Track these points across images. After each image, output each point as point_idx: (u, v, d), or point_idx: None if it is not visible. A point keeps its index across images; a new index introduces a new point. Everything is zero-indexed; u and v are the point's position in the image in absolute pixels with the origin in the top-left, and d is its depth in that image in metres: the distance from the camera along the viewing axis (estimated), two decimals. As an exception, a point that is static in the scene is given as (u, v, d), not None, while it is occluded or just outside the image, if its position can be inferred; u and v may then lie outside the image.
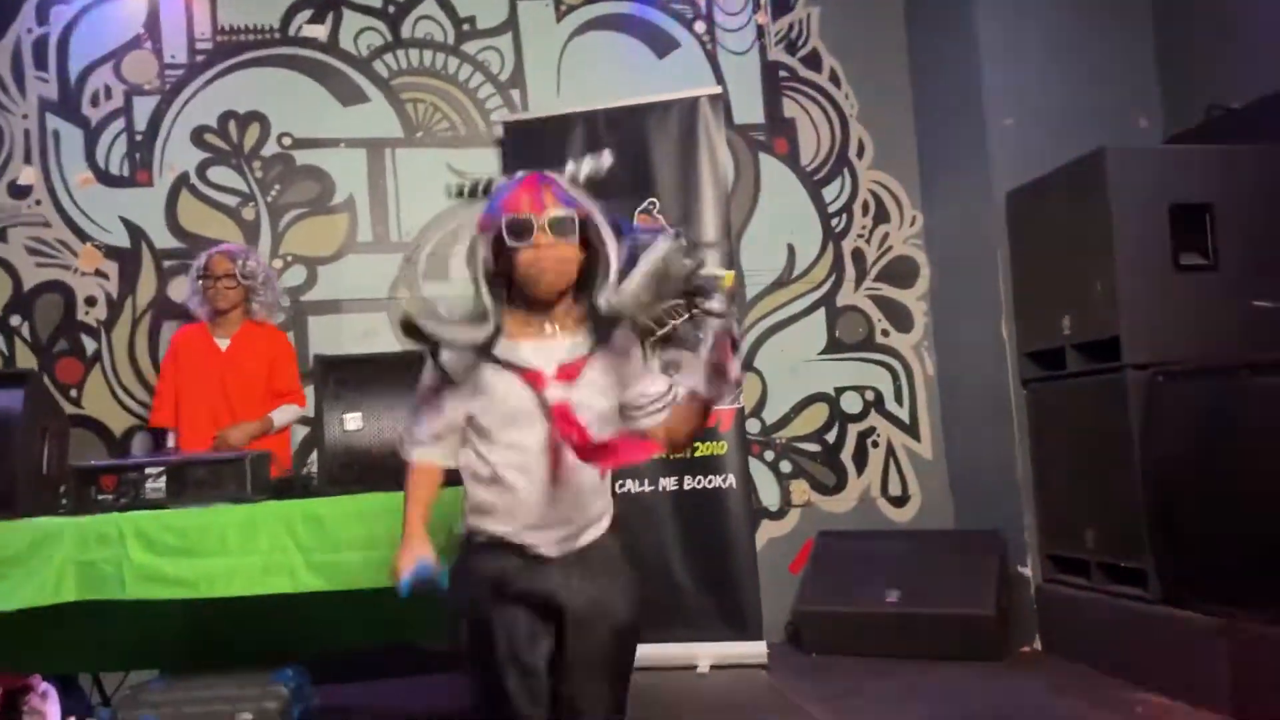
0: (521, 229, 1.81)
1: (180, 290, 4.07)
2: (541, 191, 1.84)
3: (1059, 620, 3.86)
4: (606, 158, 1.91)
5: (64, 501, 2.80)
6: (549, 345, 1.86)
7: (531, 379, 1.82)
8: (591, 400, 1.85)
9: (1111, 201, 3.50)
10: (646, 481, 4.07)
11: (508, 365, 1.83)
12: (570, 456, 1.80)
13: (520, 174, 1.91)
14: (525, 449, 1.82)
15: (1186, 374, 3.25)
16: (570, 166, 1.91)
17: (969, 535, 4.20)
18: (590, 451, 1.78)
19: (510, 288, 1.88)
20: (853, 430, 4.61)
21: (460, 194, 1.97)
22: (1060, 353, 3.79)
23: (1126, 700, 3.19)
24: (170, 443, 3.62)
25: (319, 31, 4.41)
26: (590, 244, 1.85)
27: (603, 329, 1.86)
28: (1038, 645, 3.94)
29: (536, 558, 1.85)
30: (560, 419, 1.78)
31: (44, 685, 3.39)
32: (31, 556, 2.63)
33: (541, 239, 1.81)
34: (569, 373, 1.83)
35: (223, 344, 3.73)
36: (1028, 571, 4.00)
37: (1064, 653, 3.79)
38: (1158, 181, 3.53)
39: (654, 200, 4.14)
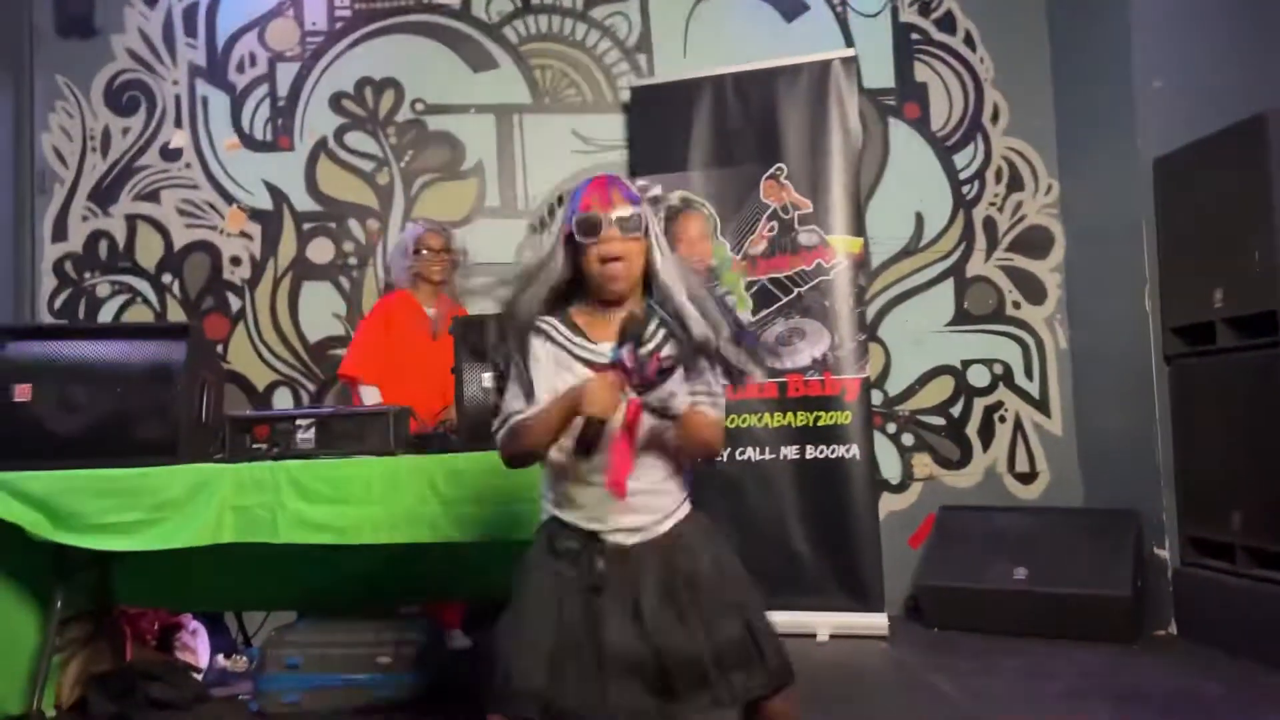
0: (591, 226, 1.89)
1: (322, 253, 4.25)
2: (610, 191, 1.93)
3: (1198, 605, 3.71)
4: (675, 195, 2.04)
5: (220, 450, 2.94)
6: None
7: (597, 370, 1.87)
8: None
9: (1273, 169, 3.31)
10: (768, 449, 4.06)
11: (590, 363, 1.90)
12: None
13: (589, 178, 1.99)
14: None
15: (1352, 351, 3.07)
16: (641, 181, 2.01)
17: (1102, 514, 4.06)
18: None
19: (581, 286, 1.96)
20: (979, 404, 4.50)
21: (543, 223, 2.11)
22: (1210, 327, 3.61)
23: (1269, 685, 3.06)
24: (372, 399, 3.68)
25: (451, -2, 4.48)
26: (651, 247, 1.94)
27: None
28: (1173, 629, 3.80)
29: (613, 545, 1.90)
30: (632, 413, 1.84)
31: (194, 623, 3.61)
32: (191, 500, 2.78)
33: (610, 234, 1.89)
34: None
35: (430, 312, 3.85)
36: (1165, 554, 3.86)
37: (1200, 638, 3.65)
38: (1324, 148, 3.33)
39: (781, 165, 4.09)
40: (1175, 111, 3.90)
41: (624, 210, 1.90)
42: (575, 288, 1.98)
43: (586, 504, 1.91)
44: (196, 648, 3.56)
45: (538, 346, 1.93)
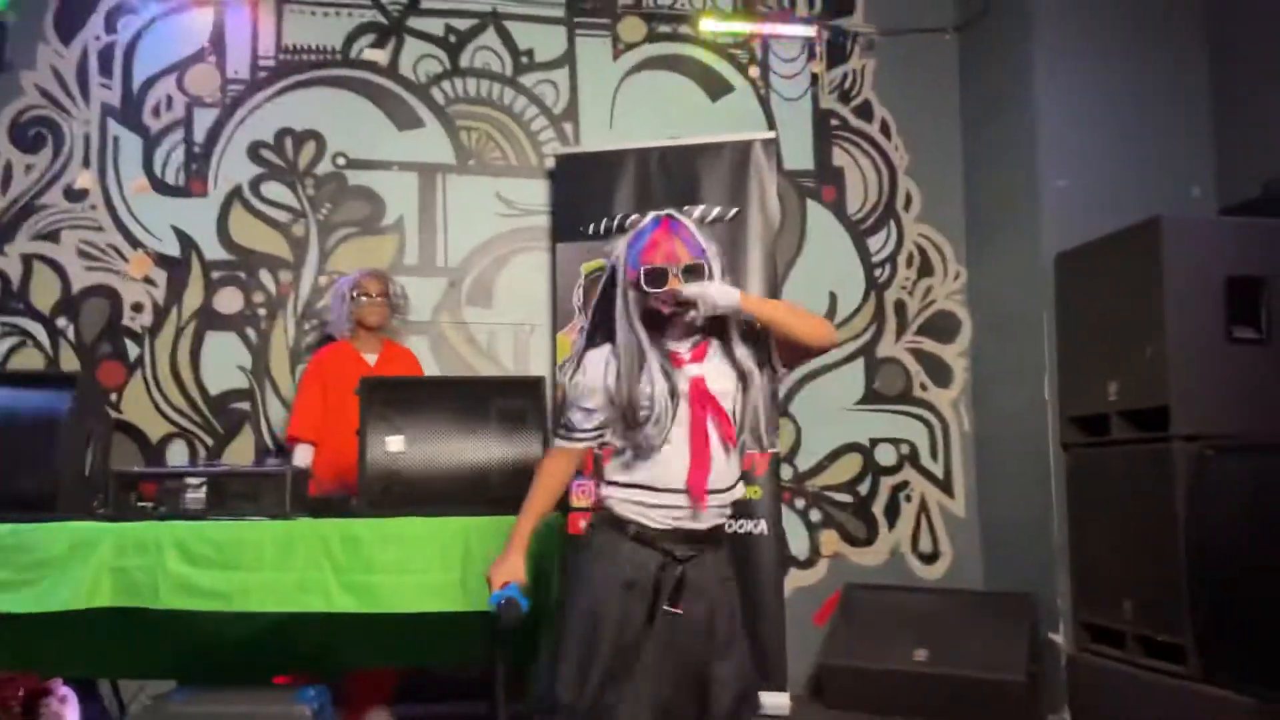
0: (659, 278, 2.06)
1: (229, 303, 4.18)
2: (675, 242, 2.10)
3: (1091, 691, 3.78)
4: (733, 212, 2.23)
5: (103, 506, 2.80)
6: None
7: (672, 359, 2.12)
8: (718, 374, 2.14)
9: (1166, 270, 3.47)
10: (677, 522, 4.03)
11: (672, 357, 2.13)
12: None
13: (650, 218, 2.14)
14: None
15: (1237, 449, 3.19)
16: (700, 210, 2.18)
17: (1001, 597, 4.14)
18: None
19: (645, 321, 2.13)
20: (886, 483, 4.57)
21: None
22: (1105, 419, 3.74)
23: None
24: (303, 458, 3.61)
25: (380, 56, 4.47)
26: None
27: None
28: (1066, 716, 3.85)
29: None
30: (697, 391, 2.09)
31: (64, 689, 3.38)
32: (69, 559, 2.64)
33: (675, 284, 2.06)
34: (699, 354, 2.15)
35: (371, 359, 3.77)
36: (1059, 639, 3.93)
37: (1094, 725, 3.71)
38: (1213, 253, 3.50)
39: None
40: (1077, 209, 4.08)
41: (688, 260, 2.08)
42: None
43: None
44: (65, 716, 3.34)
45: (598, 357, 2.15)
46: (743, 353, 2.15)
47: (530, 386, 2.98)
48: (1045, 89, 4.21)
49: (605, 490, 2.18)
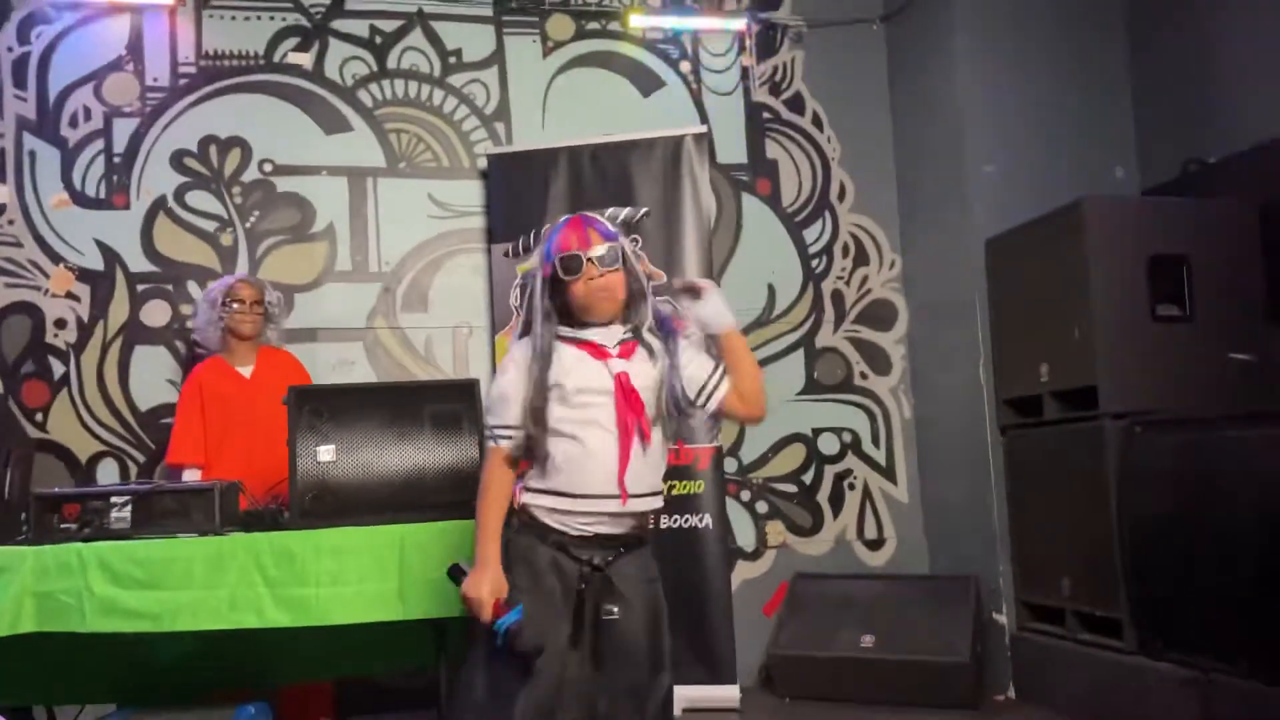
0: (572, 265, 2.08)
1: (156, 316, 4.07)
2: (586, 230, 2.12)
3: (1033, 669, 3.84)
4: (643, 211, 2.26)
5: (25, 530, 2.72)
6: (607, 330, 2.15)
7: (596, 352, 2.11)
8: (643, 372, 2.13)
9: (1089, 251, 3.54)
10: (622, 519, 4.02)
11: (578, 341, 2.13)
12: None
13: (565, 217, 2.18)
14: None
15: (1163, 424, 3.27)
16: (611, 210, 2.18)
17: (944, 580, 4.19)
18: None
19: (567, 317, 2.14)
20: (830, 472, 4.60)
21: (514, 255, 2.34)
22: (1038, 400, 3.80)
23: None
24: (191, 480, 3.46)
25: (304, 59, 4.39)
26: (629, 272, 2.14)
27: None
28: (1011, 694, 3.92)
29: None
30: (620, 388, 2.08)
31: (-3, 719, 3.29)
32: (-11, 585, 2.56)
33: (591, 271, 2.08)
34: (625, 351, 2.13)
35: (246, 372, 3.64)
36: (1002, 619, 3.99)
37: (1038, 701, 3.77)
38: (1135, 233, 3.58)
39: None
40: (1004, 194, 4.15)
41: (600, 248, 2.09)
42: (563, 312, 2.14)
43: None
44: (-4, 746, 3.24)
45: (522, 350, 2.14)
46: (658, 348, 2.15)
47: (464, 389, 2.94)
48: (970, 76, 4.28)
49: (524, 496, 2.14)
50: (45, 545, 2.59)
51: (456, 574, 2.13)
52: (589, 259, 2.08)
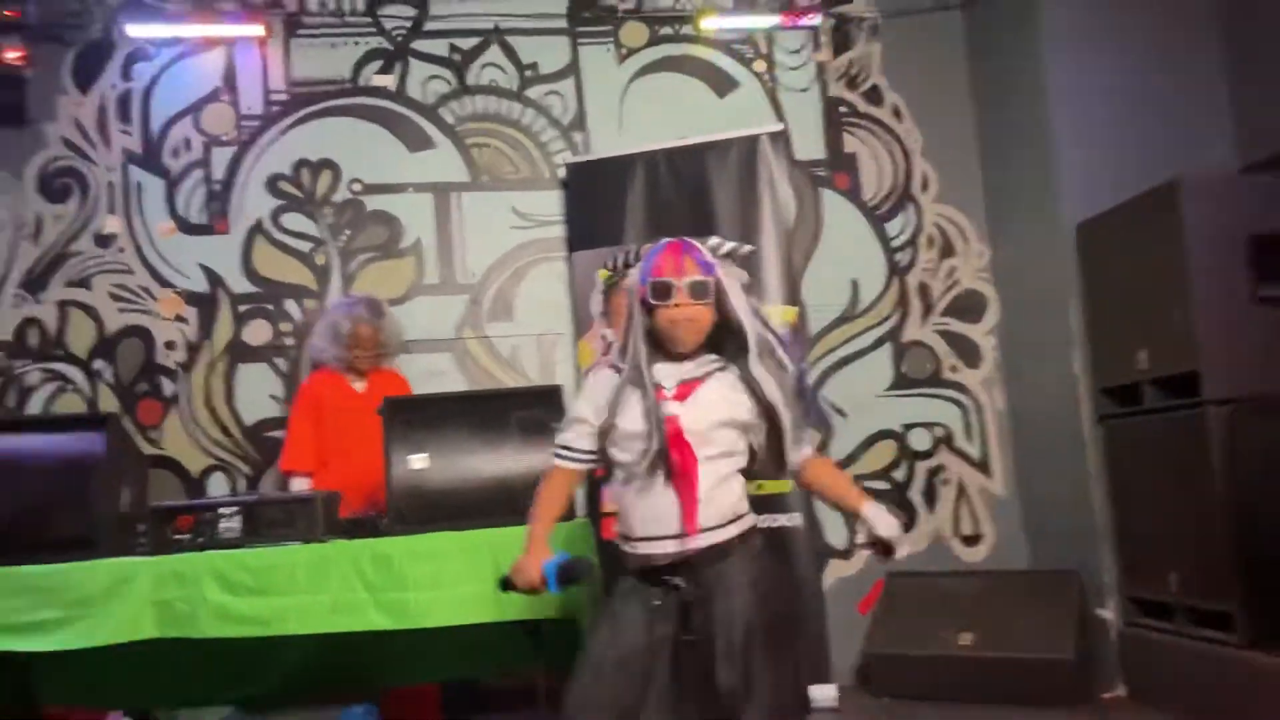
0: (664, 291, 2.06)
1: (258, 335, 4.31)
2: (683, 258, 2.09)
3: (1142, 665, 3.72)
4: (747, 248, 2.29)
5: (143, 541, 2.87)
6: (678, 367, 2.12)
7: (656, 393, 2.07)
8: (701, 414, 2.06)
9: (1187, 232, 3.42)
10: (711, 520, 4.03)
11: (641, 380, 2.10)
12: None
13: (665, 240, 2.15)
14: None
15: (1269, 409, 3.13)
16: (714, 240, 2.23)
17: (1045, 576, 4.08)
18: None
19: (654, 343, 2.12)
20: (922, 468, 4.53)
21: (613, 272, 2.29)
22: (1137, 388, 3.68)
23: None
24: (300, 487, 3.64)
25: (387, 81, 4.53)
26: (720, 306, 2.09)
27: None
28: (1121, 691, 3.79)
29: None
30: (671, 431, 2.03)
31: (121, 720, 3.47)
32: (110, 596, 2.70)
33: (680, 298, 2.06)
34: (687, 389, 2.08)
35: (358, 387, 3.79)
36: (1108, 614, 3.87)
37: (1148, 699, 3.65)
38: (1234, 212, 3.45)
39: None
40: (1095, 177, 4.02)
41: (695, 276, 2.06)
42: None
43: None
44: (123, 747, 3.43)
45: (601, 379, 2.14)
46: (768, 385, 2.07)
47: (548, 395, 3.00)
48: (1056, 57, 4.16)
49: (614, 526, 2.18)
50: (162, 555, 2.74)
51: (505, 584, 2.18)
52: (680, 287, 2.06)
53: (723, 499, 2.08)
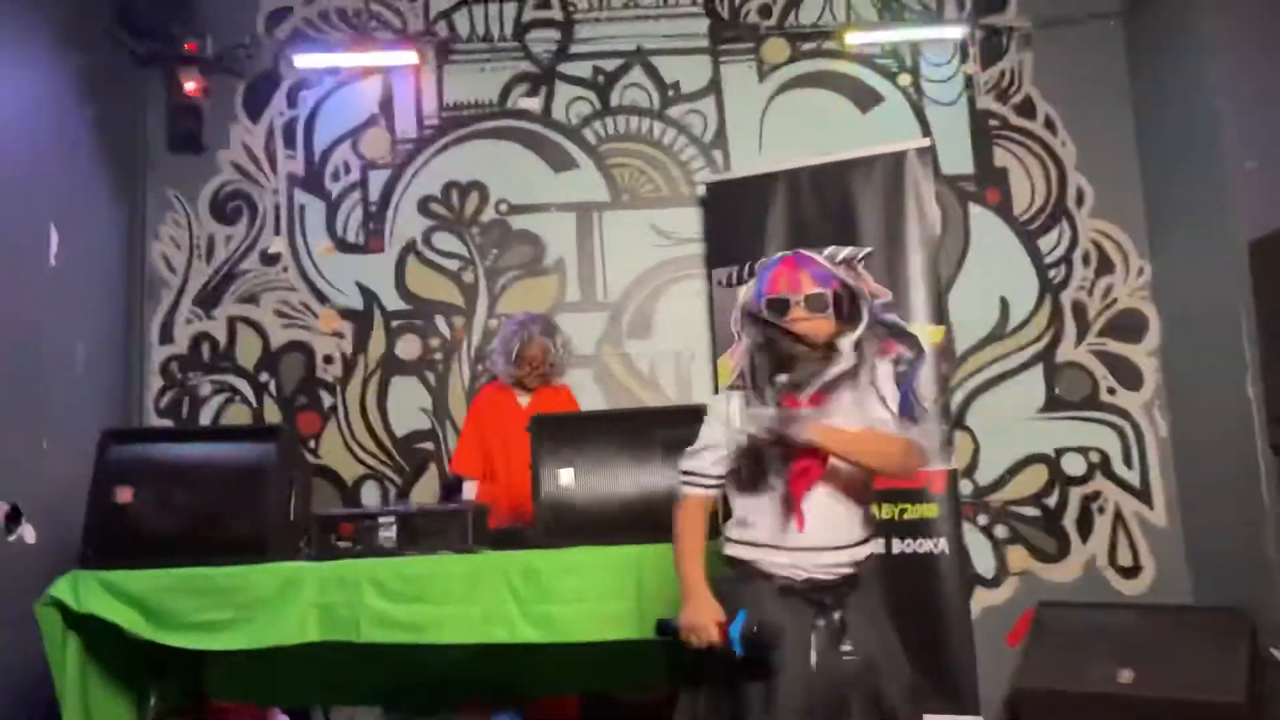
0: (779, 307, 2.06)
1: (409, 350, 4.47)
2: (798, 272, 2.09)
3: (1324, 714, 3.45)
4: (865, 251, 2.21)
5: (307, 547, 3.02)
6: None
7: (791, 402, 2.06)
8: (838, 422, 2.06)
9: (1377, 249, 3.18)
10: (852, 543, 3.96)
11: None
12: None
13: (780, 254, 2.14)
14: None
15: None
16: (830, 249, 2.15)
17: (1212, 612, 3.84)
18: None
19: (774, 358, 2.10)
20: (1075, 494, 4.33)
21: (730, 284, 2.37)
22: (1318, 415, 3.44)
23: None
24: (469, 492, 3.77)
25: (534, 104, 4.66)
26: (840, 316, 2.09)
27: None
28: (1298, 740, 3.53)
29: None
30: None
31: (281, 718, 3.65)
32: (278, 598, 2.86)
33: (797, 314, 2.06)
34: (814, 401, 2.07)
35: (524, 401, 3.89)
36: (1282, 656, 3.61)
37: (1331, 751, 3.39)
38: None
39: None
40: (1270, 192, 3.78)
41: (811, 289, 2.07)
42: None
43: None
44: (283, 743, 3.60)
45: (722, 404, 2.15)
46: (887, 391, 2.12)
47: (692, 415, 3.00)
48: (1225, 65, 3.93)
49: (729, 548, 2.16)
50: (325, 561, 2.87)
51: (666, 628, 2.13)
52: (796, 302, 2.06)
53: (848, 514, 2.16)
